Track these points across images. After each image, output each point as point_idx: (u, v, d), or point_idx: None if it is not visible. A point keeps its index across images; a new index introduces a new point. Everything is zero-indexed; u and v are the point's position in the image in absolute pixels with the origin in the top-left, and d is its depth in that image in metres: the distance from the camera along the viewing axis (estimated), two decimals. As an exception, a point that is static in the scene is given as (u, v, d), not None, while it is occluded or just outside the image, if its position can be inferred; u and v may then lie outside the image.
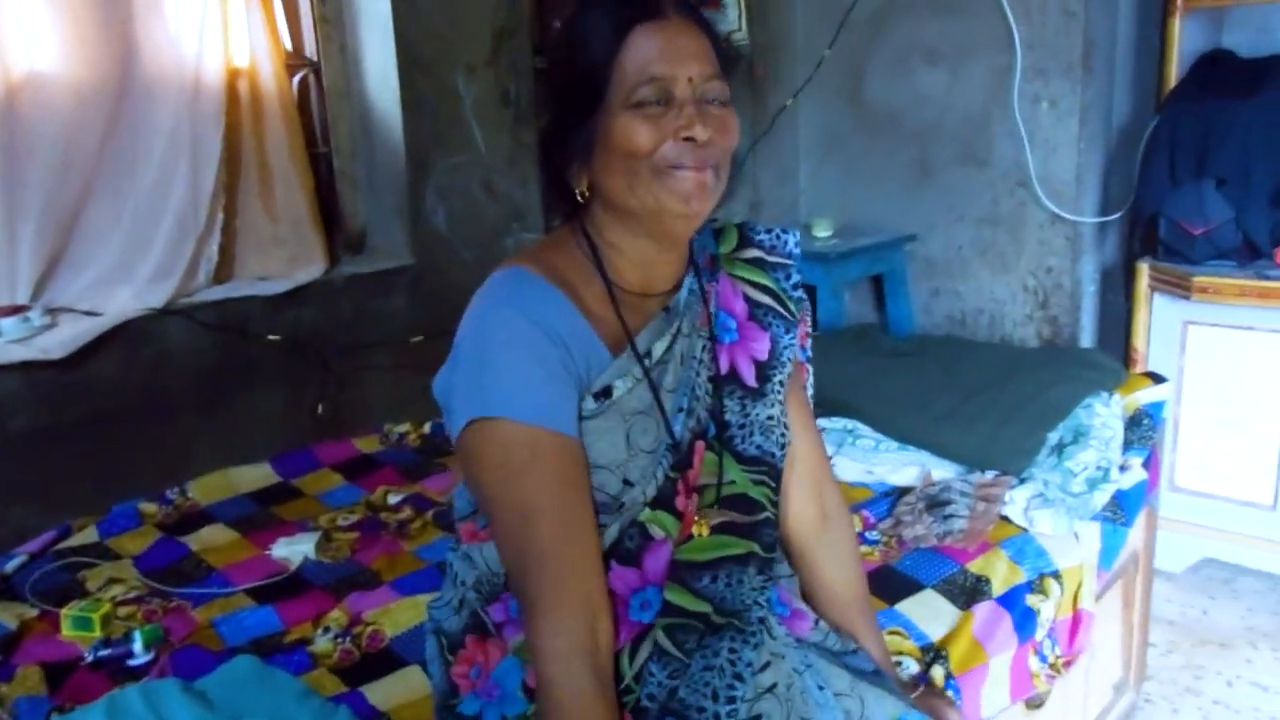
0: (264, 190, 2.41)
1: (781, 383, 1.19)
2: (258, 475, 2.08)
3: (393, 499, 1.97)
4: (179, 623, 1.59)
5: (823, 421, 2.05)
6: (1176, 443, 2.66)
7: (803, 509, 1.26)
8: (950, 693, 1.43)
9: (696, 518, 1.12)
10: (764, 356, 1.18)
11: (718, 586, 1.11)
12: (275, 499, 2.00)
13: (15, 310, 2.00)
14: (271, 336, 2.28)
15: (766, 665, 1.12)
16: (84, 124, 2.14)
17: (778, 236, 1.24)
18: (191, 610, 1.63)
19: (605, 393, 1.06)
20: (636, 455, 1.08)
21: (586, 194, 1.11)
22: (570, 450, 1.03)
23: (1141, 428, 2.02)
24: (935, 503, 1.79)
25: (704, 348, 1.14)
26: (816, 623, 1.22)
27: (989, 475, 1.87)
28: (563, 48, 1.10)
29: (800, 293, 1.25)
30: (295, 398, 2.34)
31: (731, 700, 1.07)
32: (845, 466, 1.95)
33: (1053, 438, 1.93)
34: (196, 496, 2.00)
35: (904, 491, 1.87)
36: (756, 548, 1.15)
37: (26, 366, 1.94)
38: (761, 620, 1.14)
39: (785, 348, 1.20)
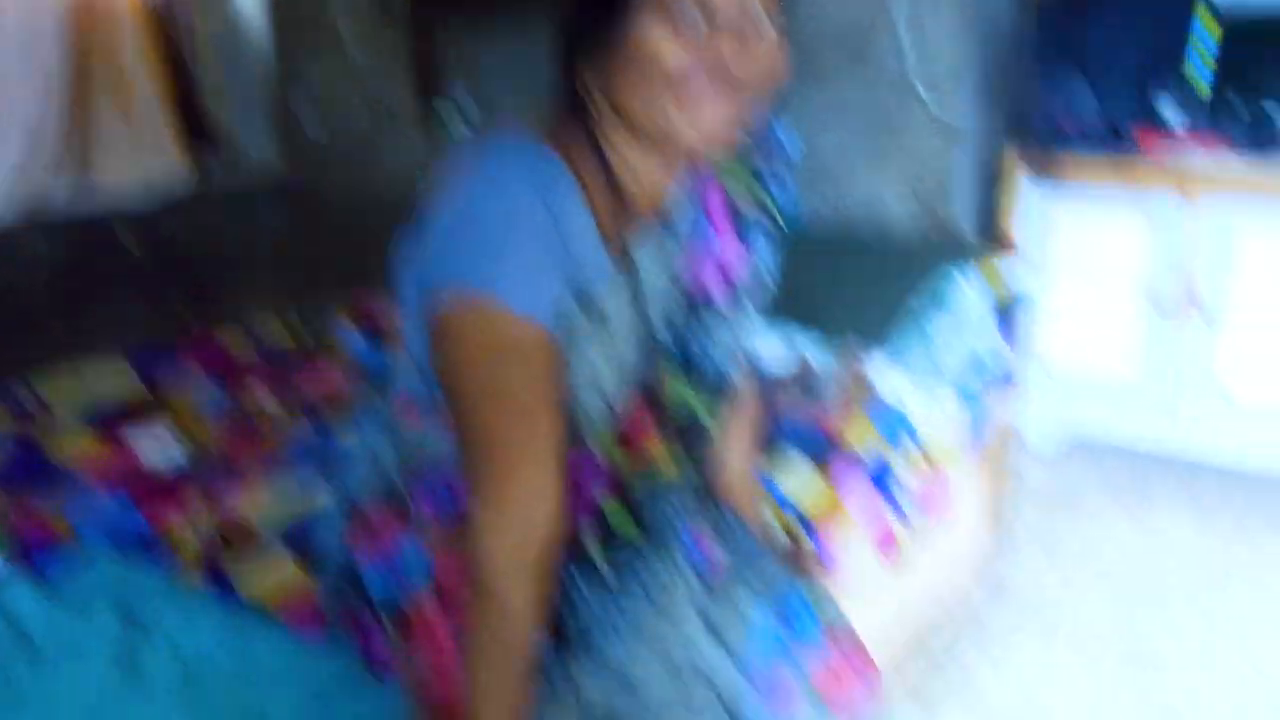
0: (118, 92, 2.32)
1: (754, 305, 1.13)
2: (117, 371, 2.02)
3: (260, 396, 1.94)
4: (34, 529, 1.55)
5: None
6: (1044, 324, 2.75)
7: None
8: (812, 544, 1.48)
9: (650, 444, 1.09)
10: (742, 276, 1.10)
11: (645, 508, 1.10)
12: (137, 397, 1.95)
13: None
14: (134, 245, 2.21)
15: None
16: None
17: (769, 128, 1.11)
18: (49, 514, 1.59)
19: (598, 309, 0.99)
20: (611, 373, 1.03)
21: (590, 95, 0.98)
22: (557, 352, 0.97)
23: (1003, 301, 2.08)
24: (807, 386, 1.84)
25: (682, 263, 1.07)
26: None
27: (852, 346, 1.91)
28: None
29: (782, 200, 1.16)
30: (158, 306, 2.27)
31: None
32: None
33: (915, 308, 1.97)
34: (50, 395, 1.93)
35: (780, 382, 1.90)
36: (694, 474, 1.14)
37: None
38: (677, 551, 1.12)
39: (767, 267, 1.13)
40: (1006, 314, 2.09)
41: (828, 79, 3.09)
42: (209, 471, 1.69)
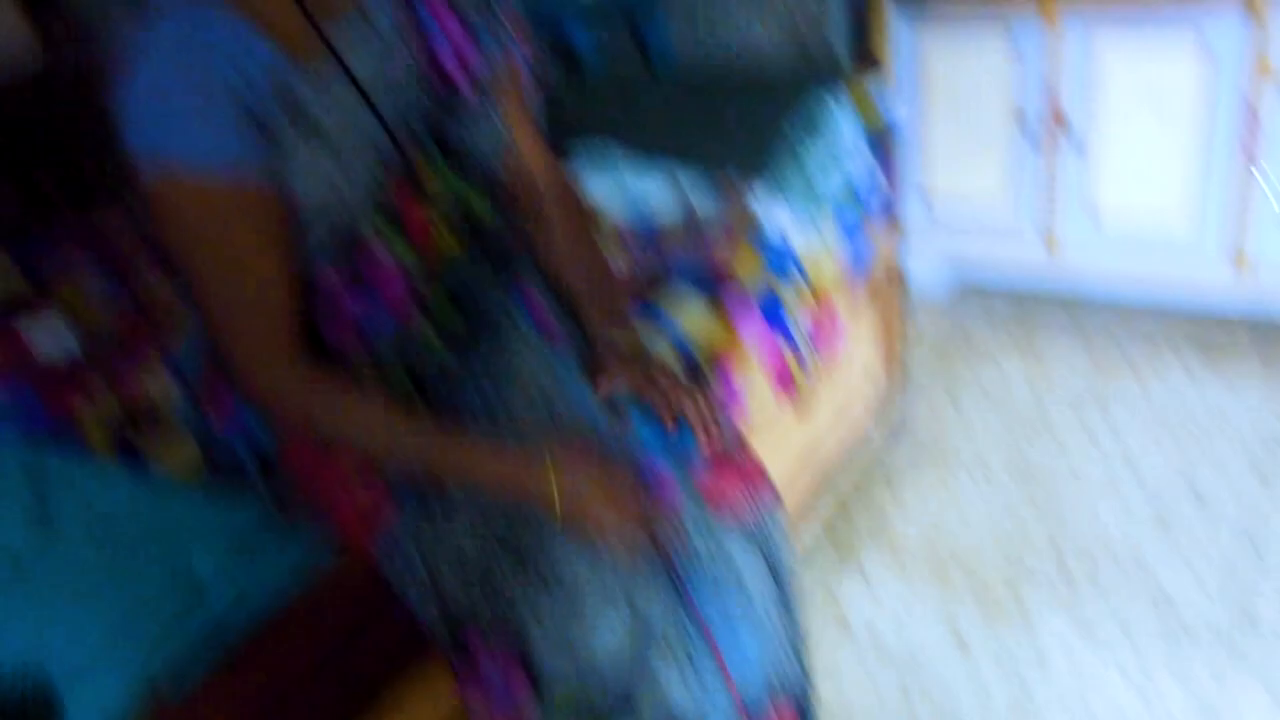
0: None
1: (496, 99, 1.16)
2: None
3: (149, 277, 1.89)
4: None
5: (578, 145, 2.13)
6: (920, 159, 2.75)
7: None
8: (711, 378, 1.53)
9: (438, 239, 1.11)
10: (476, 69, 1.13)
11: (467, 293, 1.14)
12: (23, 289, 1.89)
13: None
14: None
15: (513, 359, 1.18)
16: None
17: None
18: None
19: (301, 115, 1.00)
20: (352, 174, 1.04)
21: None
22: (266, 199, 1.00)
23: (875, 127, 2.09)
24: (693, 229, 1.86)
25: (412, 51, 1.09)
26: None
27: (732, 177, 1.93)
28: None
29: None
30: (27, 190, 2.16)
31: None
32: (601, 187, 2.01)
33: (790, 136, 1.98)
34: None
35: (664, 231, 1.92)
36: (490, 265, 1.18)
37: None
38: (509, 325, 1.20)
39: (492, 52, 1.16)
40: (879, 140, 2.11)
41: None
42: (107, 357, 1.66)
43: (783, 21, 3.01)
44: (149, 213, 1.00)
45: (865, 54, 2.24)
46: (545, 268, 1.30)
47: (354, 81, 1.03)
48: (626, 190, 1.98)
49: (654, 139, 2.07)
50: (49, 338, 1.74)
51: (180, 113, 0.95)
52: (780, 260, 1.75)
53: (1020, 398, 2.45)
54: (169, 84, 0.95)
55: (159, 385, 1.57)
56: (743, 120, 2.04)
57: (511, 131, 1.22)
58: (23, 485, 1.24)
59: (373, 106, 1.05)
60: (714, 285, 1.68)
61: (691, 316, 1.62)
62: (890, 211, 2.13)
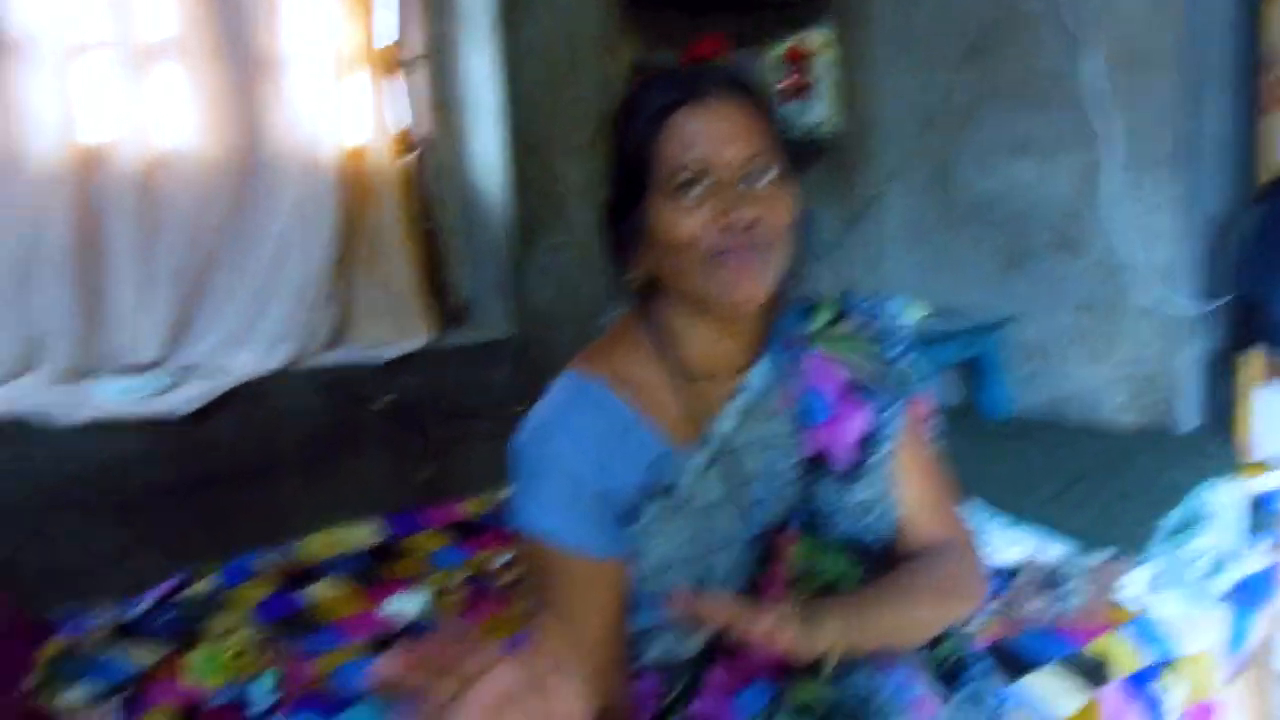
0: (375, 262, 2.51)
1: (881, 462, 1.14)
2: (367, 532, 2.12)
3: (498, 561, 1.99)
4: (296, 672, 1.62)
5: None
6: None
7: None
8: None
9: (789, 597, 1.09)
10: (861, 435, 1.13)
11: (833, 679, 1.07)
12: (384, 557, 2.03)
13: (146, 368, 2.09)
14: (380, 401, 2.34)
15: None
16: (213, 197, 2.26)
17: (879, 306, 1.21)
18: (307, 660, 1.66)
19: (668, 491, 1.06)
20: (714, 551, 1.07)
21: (640, 282, 1.10)
22: (600, 573, 1.07)
23: (1261, 514, 1.98)
24: (1049, 582, 1.76)
25: (789, 431, 1.12)
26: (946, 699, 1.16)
27: (1104, 556, 1.83)
28: (612, 132, 1.10)
29: (908, 367, 1.19)
30: (398, 462, 2.39)
31: None
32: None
33: (1169, 522, 1.90)
34: (308, 552, 2.04)
35: (1015, 570, 1.85)
36: None
37: (154, 423, 2.01)
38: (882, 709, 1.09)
39: (885, 424, 1.14)
40: (1261, 523, 1.97)
41: (1041, 268, 3.09)
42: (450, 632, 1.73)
43: (1124, 376, 2.98)
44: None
45: (1232, 430, 2.13)
46: None
47: (731, 468, 1.08)
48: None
49: (1010, 500, 2.00)
50: (404, 604, 1.84)
51: (566, 506, 1.05)
52: (1159, 654, 1.61)
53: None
54: (559, 478, 1.05)
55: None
56: (1110, 495, 1.95)
57: (900, 488, 1.17)
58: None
59: (738, 495, 1.08)
60: (1084, 675, 1.56)
61: (1060, 705, 1.50)
62: (1271, 596, 1.95)
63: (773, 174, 1.05)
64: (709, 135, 1.02)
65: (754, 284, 1.03)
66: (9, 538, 1.87)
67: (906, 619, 1.08)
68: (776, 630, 0.92)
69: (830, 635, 0.96)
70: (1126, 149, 2.86)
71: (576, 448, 1.05)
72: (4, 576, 1.80)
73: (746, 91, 1.07)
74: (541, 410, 1.09)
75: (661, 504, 1.06)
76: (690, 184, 1.02)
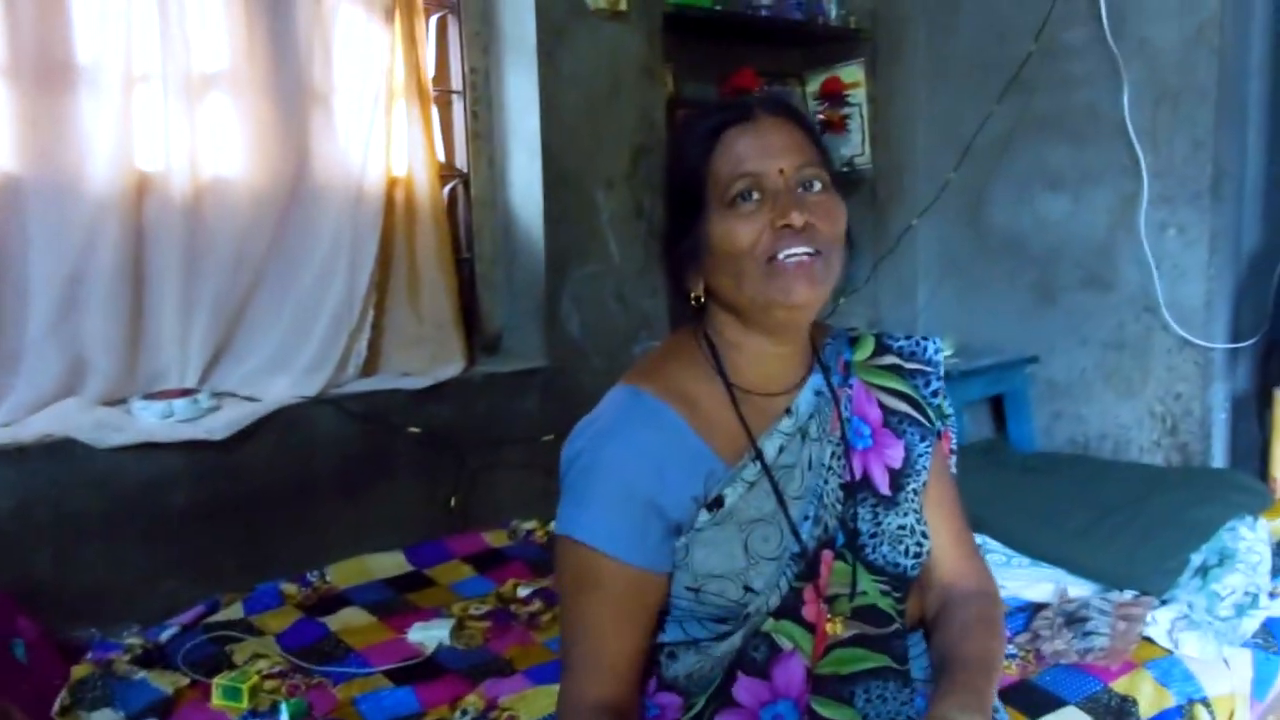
0: (412, 291, 2.55)
1: (915, 491, 1.17)
2: (392, 563, 2.16)
3: (522, 591, 2.02)
4: (320, 699, 1.65)
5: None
6: None
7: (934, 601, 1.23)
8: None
9: (829, 628, 1.11)
10: (898, 464, 1.17)
11: (859, 703, 1.10)
12: (409, 586, 2.07)
13: (186, 393, 2.14)
14: (411, 429, 2.38)
15: None
16: (257, 225, 2.31)
17: (916, 344, 1.25)
18: (332, 688, 1.69)
19: (718, 502, 1.08)
20: (758, 563, 1.08)
21: (701, 298, 1.15)
22: (636, 582, 1.07)
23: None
24: (1073, 619, 1.76)
25: (834, 454, 1.14)
26: None
27: (1128, 595, 1.82)
28: (668, 159, 1.18)
29: (942, 401, 1.24)
30: (429, 489, 2.43)
31: None
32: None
33: (1196, 559, 1.88)
34: (334, 580, 2.08)
35: (1039, 607, 1.84)
36: (889, 660, 1.13)
37: (191, 446, 2.06)
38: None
39: (920, 455, 1.18)
40: None
41: (1073, 303, 3.08)
42: (480, 663, 1.76)
43: (1154, 412, 2.96)
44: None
45: (1251, 450, 2.11)
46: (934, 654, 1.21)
47: (778, 485, 1.10)
48: (1004, 586, 1.91)
49: (1035, 536, 1.99)
50: (429, 634, 1.86)
51: (613, 513, 1.06)
52: (1185, 693, 1.60)
53: None
54: (612, 484, 1.06)
55: (524, 700, 1.62)
56: (1137, 532, 1.94)
57: (929, 520, 1.19)
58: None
59: (785, 511, 1.10)
60: (1109, 714, 1.55)
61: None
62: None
63: (823, 183, 1.10)
64: (760, 149, 1.08)
65: (811, 288, 1.07)
66: (46, 558, 1.92)
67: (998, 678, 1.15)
68: None
69: None
70: (1162, 183, 2.85)
71: (633, 455, 1.06)
72: (39, 597, 1.85)
73: (792, 111, 1.14)
74: (596, 419, 1.10)
75: (710, 516, 1.08)
76: (745, 195, 1.07)
